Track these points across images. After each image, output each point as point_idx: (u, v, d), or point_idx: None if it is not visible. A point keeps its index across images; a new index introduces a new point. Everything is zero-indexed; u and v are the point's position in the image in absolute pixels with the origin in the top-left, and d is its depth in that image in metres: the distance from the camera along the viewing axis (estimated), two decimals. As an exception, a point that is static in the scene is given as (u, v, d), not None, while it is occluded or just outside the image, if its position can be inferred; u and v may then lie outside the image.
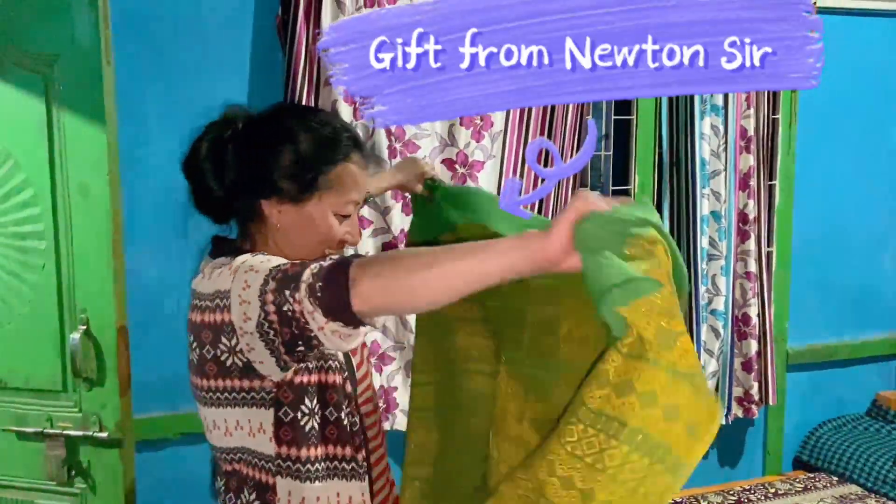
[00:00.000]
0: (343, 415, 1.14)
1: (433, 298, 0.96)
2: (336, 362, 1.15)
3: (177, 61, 2.06)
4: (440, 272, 0.93)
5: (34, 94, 1.61)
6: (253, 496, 1.13)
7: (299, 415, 1.10)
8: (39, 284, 1.67)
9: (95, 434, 1.66)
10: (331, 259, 1.03)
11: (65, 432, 1.68)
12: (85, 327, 1.65)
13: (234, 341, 1.04)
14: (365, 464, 1.18)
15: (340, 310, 0.95)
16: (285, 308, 0.98)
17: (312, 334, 0.98)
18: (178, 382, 1.22)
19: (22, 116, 1.63)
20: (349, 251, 1.28)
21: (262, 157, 1.13)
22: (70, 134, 1.62)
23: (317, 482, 1.12)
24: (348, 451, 1.15)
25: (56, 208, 1.63)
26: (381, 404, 2.28)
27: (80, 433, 1.67)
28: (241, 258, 1.10)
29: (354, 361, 1.23)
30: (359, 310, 0.95)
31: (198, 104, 2.05)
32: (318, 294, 0.96)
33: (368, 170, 1.22)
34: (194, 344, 1.10)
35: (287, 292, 0.98)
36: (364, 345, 1.32)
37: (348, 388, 1.17)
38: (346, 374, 1.17)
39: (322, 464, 1.12)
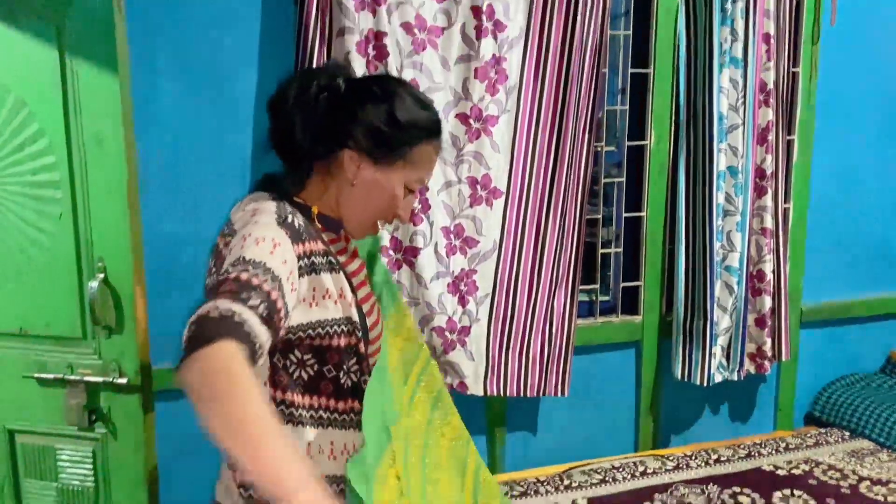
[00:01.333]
0: (341, 374, 1.15)
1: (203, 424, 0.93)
2: (347, 326, 1.15)
3: (188, 12, 2.04)
4: (228, 437, 0.91)
5: (47, 42, 1.61)
6: None
7: (288, 363, 1.12)
8: (57, 233, 1.69)
9: (115, 380, 1.70)
10: (225, 313, 0.95)
11: (85, 378, 1.71)
12: (103, 276, 1.67)
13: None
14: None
15: (182, 357, 0.95)
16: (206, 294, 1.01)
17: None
18: None
19: (35, 65, 1.63)
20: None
21: (361, 110, 1.16)
22: (84, 83, 1.62)
23: (309, 428, 1.14)
24: (341, 405, 1.16)
25: (71, 158, 1.65)
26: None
27: (99, 379, 1.71)
28: (261, 210, 1.11)
29: (370, 321, 1.23)
30: (176, 377, 0.94)
31: (209, 56, 2.04)
32: (188, 332, 0.94)
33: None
34: (212, 269, 1.12)
35: (206, 298, 0.99)
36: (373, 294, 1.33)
37: (361, 349, 1.18)
38: (361, 334, 1.17)
39: (316, 412, 1.15)
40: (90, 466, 1.78)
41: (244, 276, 0.99)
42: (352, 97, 1.18)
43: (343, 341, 1.15)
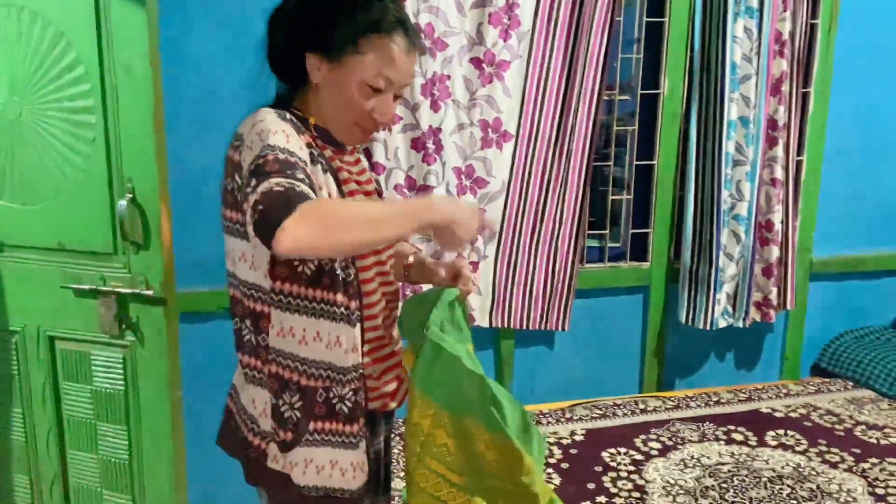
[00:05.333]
0: (336, 265, 1.25)
1: (348, 254, 1.17)
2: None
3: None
4: (370, 238, 1.08)
5: (82, -24, 1.74)
6: (249, 321, 1.28)
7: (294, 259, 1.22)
8: (90, 155, 1.84)
9: (143, 292, 1.85)
10: (287, 186, 1.05)
11: (116, 290, 1.87)
12: (131, 195, 1.82)
13: (241, 181, 1.17)
14: (358, 313, 1.29)
15: (265, 237, 1.04)
16: (245, 193, 1.09)
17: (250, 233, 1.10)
18: (218, 260, 1.35)
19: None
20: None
21: (318, 13, 1.24)
22: (115, 17, 1.75)
23: (304, 316, 1.25)
24: (339, 297, 1.25)
25: (104, 85, 1.79)
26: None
27: (129, 291, 1.87)
28: (261, 113, 1.21)
29: None
30: (281, 251, 1.03)
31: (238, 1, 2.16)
32: (256, 215, 1.05)
33: (411, 57, 1.27)
34: (224, 175, 1.24)
35: (251, 185, 1.08)
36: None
37: None
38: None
39: (312, 303, 1.25)
40: (121, 371, 1.96)
41: (281, 156, 1.11)
42: (311, 2, 1.25)
43: None
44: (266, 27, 1.29)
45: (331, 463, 1.29)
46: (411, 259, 1.47)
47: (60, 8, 1.79)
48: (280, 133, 1.16)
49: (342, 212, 1.07)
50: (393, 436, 1.57)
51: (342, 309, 1.27)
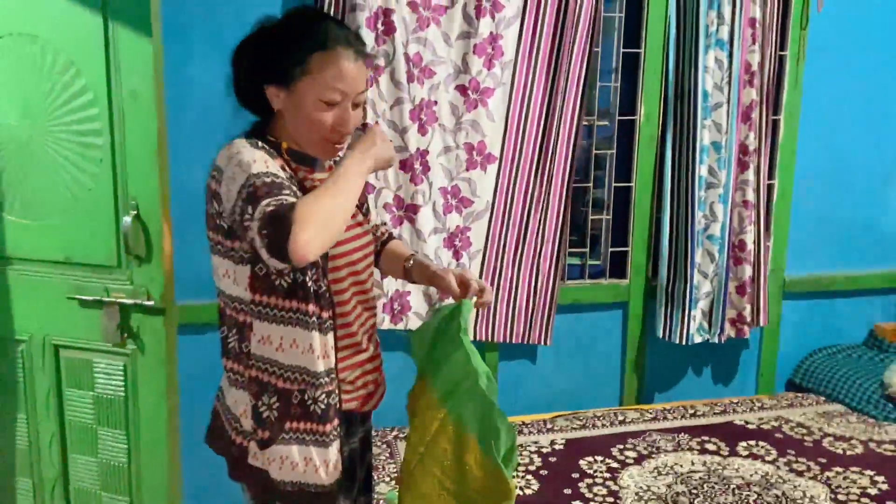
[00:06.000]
0: (308, 278, 1.35)
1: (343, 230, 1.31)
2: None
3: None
4: (349, 205, 1.25)
5: (93, 9, 1.89)
6: (234, 330, 1.40)
7: (270, 271, 1.34)
8: (97, 175, 1.97)
9: (144, 303, 1.97)
10: (276, 204, 1.18)
11: (119, 301, 1.99)
12: (135, 212, 1.94)
13: (219, 208, 1.30)
14: (331, 322, 1.40)
15: (279, 254, 1.17)
16: (245, 224, 1.22)
17: (259, 255, 1.23)
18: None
19: (82, 29, 1.90)
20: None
21: (266, 46, 1.36)
22: (123, 46, 1.89)
23: (281, 325, 1.36)
24: (312, 307, 1.36)
25: (111, 110, 1.92)
26: (395, 307, 2.55)
27: (131, 302, 1.98)
28: (236, 145, 1.32)
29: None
30: (299, 256, 1.16)
31: (235, 27, 2.29)
32: (265, 235, 1.18)
33: (358, 64, 1.35)
34: (206, 201, 1.36)
35: (248, 213, 1.21)
36: (362, 224, 1.54)
37: (318, 261, 1.37)
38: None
39: (288, 313, 1.36)
40: (122, 378, 2.06)
41: (267, 179, 1.23)
42: (256, 38, 1.37)
43: None
44: (230, 66, 1.41)
45: (305, 460, 1.39)
46: (411, 262, 1.59)
47: (71, 37, 1.93)
48: (259, 161, 1.28)
49: (321, 204, 1.19)
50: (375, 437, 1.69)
51: (314, 318, 1.37)
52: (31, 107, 1.98)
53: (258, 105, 1.42)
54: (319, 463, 1.40)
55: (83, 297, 2.01)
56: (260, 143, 1.35)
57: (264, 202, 1.19)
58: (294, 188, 1.28)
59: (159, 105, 1.87)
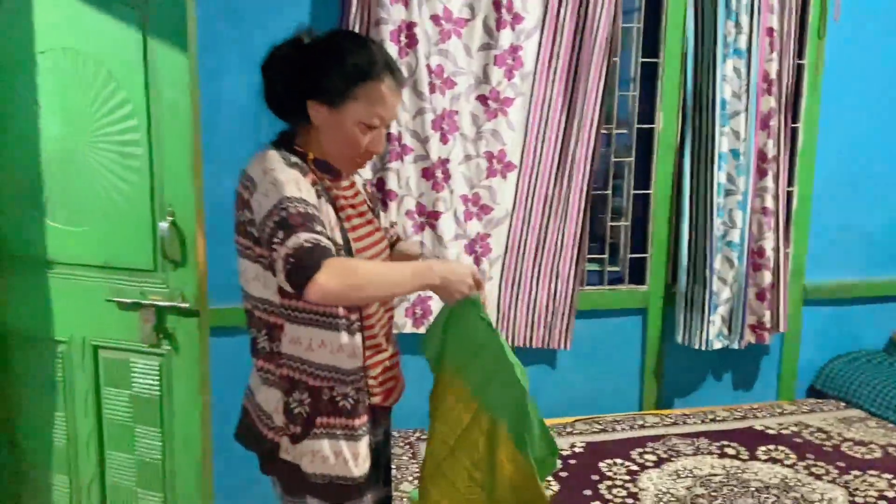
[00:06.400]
0: None
1: (371, 303, 1.48)
2: (332, 242, 1.39)
3: (248, 3, 2.41)
4: (384, 293, 1.39)
5: (133, 25, 1.99)
6: (264, 331, 1.48)
7: None
8: (136, 183, 2.06)
9: (179, 305, 2.06)
10: (313, 242, 1.28)
11: (155, 303, 2.08)
12: (172, 219, 2.04)
13: (250, 216, 1.38)
14: (359, 323, 1.48)
15: (296, 288, 1.28)
16: (273, 244, 1.30)
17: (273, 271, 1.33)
18: None
19: (123, 45, 2.01)
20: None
21: (315, 65, 1.43)
22: (161, 59, 1.99)
23: (311, 327, 1.44)
24: (341, 310, 1.44)
25: (150, 121, 2.02)
26: (417, 311, 2.62)
27: (167, 304, 2.07)
28: (269, 158, 1.40)
29: (357, 245, 1.49)
30: (311, 298, 1.27)
31: (264, 42, 2.38)
32: (288, 266, 1.27)
33: (399, 94, 1.47)
34: (235, 208, 1.44)
35: (278, 238, 1.29)
36: (380, 230, 1.61)
37: None
38: (343, 252, 1.44)
39: (317, 316, 1.43)
40: (157, 377, 2.15)
41: (300, 208, 1.32)
42: (306, 54, 1.44)
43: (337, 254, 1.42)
44: (262, 74, 1.48)
45: (335, 453, 1.46)
46: (420, 262, 1.66)
47: (112, 52, 2.03)
48: (292, 182, 1.36)
49: (360, 273, 1.32)
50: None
51: (343, 320, 1.46)
52: (73, 118, 2.09)
53: (290, 114, 1.50)
54: (350, 456, 1.47)
55: (122, 300, 2.11)
56: (292, 159, 1.43)
57: (302, 235, 1.28)
58: (322, 220, 1.36)
59: (195, 117, 1.96)
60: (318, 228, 1.31)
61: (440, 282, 1.40)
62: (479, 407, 1.52)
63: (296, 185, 1.37)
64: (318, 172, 1.48)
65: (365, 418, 1.50)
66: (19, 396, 2.32)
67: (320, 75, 1.43)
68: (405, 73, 2.49)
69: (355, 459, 1.48)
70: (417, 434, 2.60)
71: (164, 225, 2.03)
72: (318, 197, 1.43)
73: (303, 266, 1.26)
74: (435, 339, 1.60)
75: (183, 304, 2.06)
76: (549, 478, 2.35)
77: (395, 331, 1.72)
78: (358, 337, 1.48)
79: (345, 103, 1.43)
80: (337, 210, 1.47)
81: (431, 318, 2.62)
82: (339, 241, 1.44)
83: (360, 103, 1.43)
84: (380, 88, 1.43)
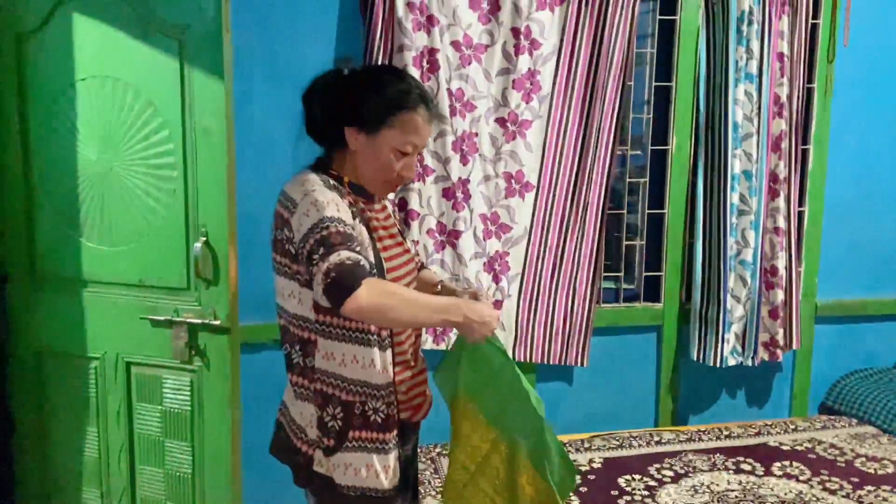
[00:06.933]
0: None
1: (397, 327, 1.54)
2: (368, 262, 1.46)
3: (278, 31, 2.50)
4: (411, 319, 1.42)
5: (170, 55, 2.07)
6: (298, 347, 1.54)
7: None
8: (171, 204, 2.14)
9: (211, 322, 2.13)
10: (354, 260, 1.35)
11: (188, 321, 2.15)
12: (205, 239, 2.11)
13: (290, 234, 1.45)
14: (389, 339, 1.54)
15: (334, 303, 1.35)
16: (313, 260, 1.37)
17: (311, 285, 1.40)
18: (274, 298, 1.59)
19: (161, 73, 2.09)
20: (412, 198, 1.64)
21: (354, 94, 1.52)
22: (197, 87, 2.07)
23: (344, 342, 1.50)
24: (373, 326, 1.51)
25: (185, 145, 2.09)
26: (437, 328, 2.68)
27: (199, 321, 2.14)
28: (311, 181, 1.48)
29: (389, 264, 1.56)
30: (347, 312, 1.34)
31: (295, 67, 2.48)
32: (328, 280, 1.34)
33: (431, 124, 1.56)
34: (273, 227, 1.51)
35: (318, 254, 1.36)
36: (409, 252, 1.68)
37: None
38: (375, 272, 1.49)
39: (350, 332, 1.50)
40: (188, 393, 2.21)
41: (340, 228, 1.39)
42: (346, 84, 1.53)
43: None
44: (303, 102, 1.56)
45: (366, 466, 1.52)
46: (439, 287, 1.76)
47: (150, 80, 2.11)
48: (332, 203, 1.44)
49: (397, 296, 1.39)
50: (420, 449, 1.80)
51: (375, 336, 1.52)
52: (111, 142, 2.16)
53: (328, 139, 1.57)
54: (380, 469, 1.53)
55: (155, 318, 2.17)
56: (331, 182, 1.51)
57: (343, 253, 1.35)
58: (360, 241, 1.44)
59: (230, 142, 2.04)
60: (358, 248, 1.38)
61: (464, 321, 1.44)
62: (498, 436, 1.58)
63: (335, 206, 1.44)
64: (353, 195, 1.55)
65: (395, 432, 1.56)
66: (52, 411, 2.38)
67: (359, 104, 1.51)
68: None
69: (385, 472, 1.53)
70: (439, 449, 2.66)
71: (197, 245, 2.10)
72: (354, 218, 1.50)
73: (343, 281, 1.33)
74: (450, 373, 1.66)
75: (215, 322, 2.12)
76: (571, 494, 2.39)
77: (421, 348, 1.78)
78: (389, 353, 1.54)
79: (381, 130, 1.51)
80: (370, 231, 1.54)
81: (452, 336, 2.68)
82: (372, 261, 1.50)
83: (395, 131, 1.51)
84: (414, 118, 1.52)
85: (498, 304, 2.70)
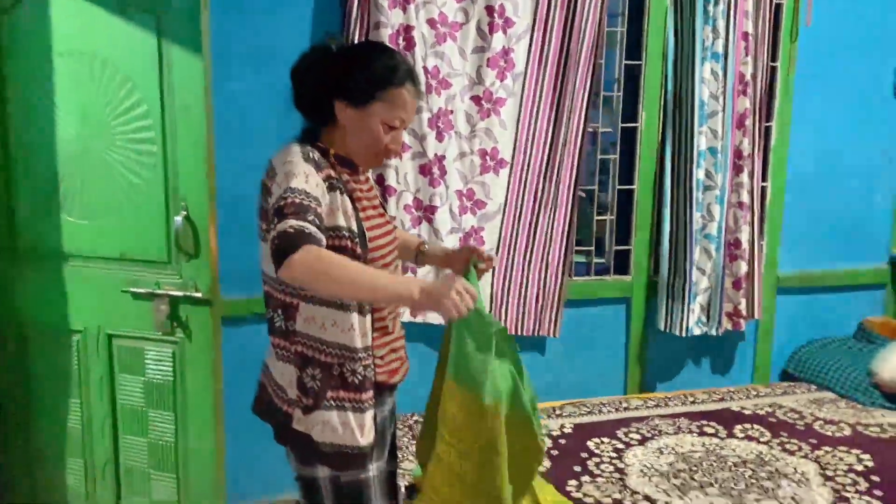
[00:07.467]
0: None
1: (333, 298, 1.53)
2: (348, 233, 1.54)
3: (256, 7, 2.52)
4: (348, 292, 1.42)
5: (148, 30, 2.09)
6: (280, 311, 1.60)
7: None
8: (151, 180, 2.17)
9: (192, 294, 2.17)
10: (298, 228, 1.36)
11: (169, 293, 2.19)
12: (185, 213, 2.15)
13: (270, 201, 1.49)
14: (368, 306, 1.59)
15: (276, 267, 1.37)
16: (270, 229, 1.41)
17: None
18: (254, 273, 1.65)
19: (139, 48, 2.11)
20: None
21: (343, 69, 1.56)
22: (175, 63, 2.10)
23: (324, 307, 1.56)
24: None
25: (164, 121, 2.13)
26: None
27: (180, 294, 2.19)
28: (292, 152, 1.53)
29: (371, 234, 1.61)
30: (282, 276, 1.37)
31: (272, 44, 2.51)
32: (272, 247, 1.37)
33: (417, 99, 1.62)
34: (265, 196, 1.55)
35: (274, 222, 1.40)
36: (390, 223, 1.75)
37: (358, 251, 1.56)
38: (357, 240, 1.56)
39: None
40: (170, 364, 2.27)
41: (297, 199, 1.43)
42: (336, 59, 1.58)
43: (347, 244, 1.55)
44: (291, 77, 1.61)
45: (343, 424, 1.58)
46: (426, 246, 1.84)
47: (128, 56, 2.14)
48: (301, 175, 1.47)
49: (332, 269, 1.37)
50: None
51: (354, 301, 1.58)
52: (90, 118, 2.19)
53: (316, 113, 1.62)
54: (356, 427, 1.59)
55: (137, 290, 2.21)
56: (311, 154, 1.56)
57: (291, 220, 1.39)
58: (320, 212, 1.46)
59: (208, 117, 2.08)
60: (310, 218, 1.41)
61: (419, 295, 1.37)
62: (452, 382, 1.62)
63: (304, 177, 1.48)
64: (339, 167, 1.60)
65: (371, 393, 1.62)
66: (36, 384, 2.41)
67: (348, 79, 1.56)
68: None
69: (361, 430, 1.60)
70: (416, 417, 2.74)
71: (178, 219, 2.14)
72: (333, 190, 1.55)
73: (283, 247, 1.36)
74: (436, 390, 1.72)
75: (196, 294, 2.17)
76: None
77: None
78: (368, 318, 1.61)
79: (370, 105, 1.56)
80: (354, 201, 1.59)
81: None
82: (355, 229, 1.56)
83: (384, 105, 1.56)
84: (402, 93, 1.57)
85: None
